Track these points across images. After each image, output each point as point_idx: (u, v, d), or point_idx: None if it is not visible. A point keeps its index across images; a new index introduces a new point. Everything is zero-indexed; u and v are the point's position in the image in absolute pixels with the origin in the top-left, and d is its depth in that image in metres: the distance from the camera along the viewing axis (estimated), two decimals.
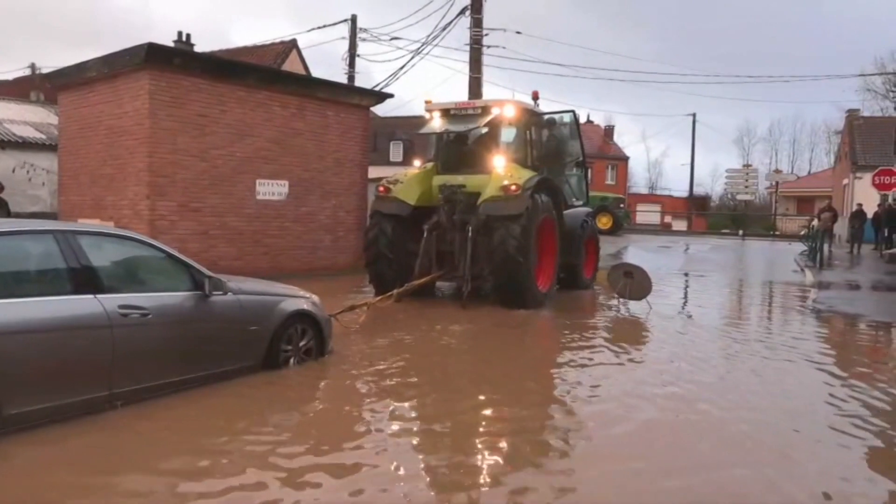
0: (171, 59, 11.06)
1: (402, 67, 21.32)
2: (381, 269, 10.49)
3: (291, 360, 6.01)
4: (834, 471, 4.21)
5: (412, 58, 21.72)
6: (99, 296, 4.51)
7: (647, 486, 3.88)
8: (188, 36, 28.54)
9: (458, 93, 20.85)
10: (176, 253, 5.34)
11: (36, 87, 26.74)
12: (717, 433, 4.82)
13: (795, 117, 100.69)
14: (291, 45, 28.17)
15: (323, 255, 13.62)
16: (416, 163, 11.44)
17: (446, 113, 10.94)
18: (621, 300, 10.32)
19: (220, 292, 5.32)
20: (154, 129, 10.97)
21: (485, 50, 21.39)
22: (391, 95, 15.44)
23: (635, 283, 10.01)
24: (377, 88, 21.09)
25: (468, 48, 21.07)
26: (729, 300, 12.66)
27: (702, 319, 9.82)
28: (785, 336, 8.66)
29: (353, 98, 14.07)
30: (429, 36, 21.62)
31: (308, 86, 13.43)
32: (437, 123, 10.91)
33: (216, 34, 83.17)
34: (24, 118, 21.35)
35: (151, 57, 10.77)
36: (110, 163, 11.80)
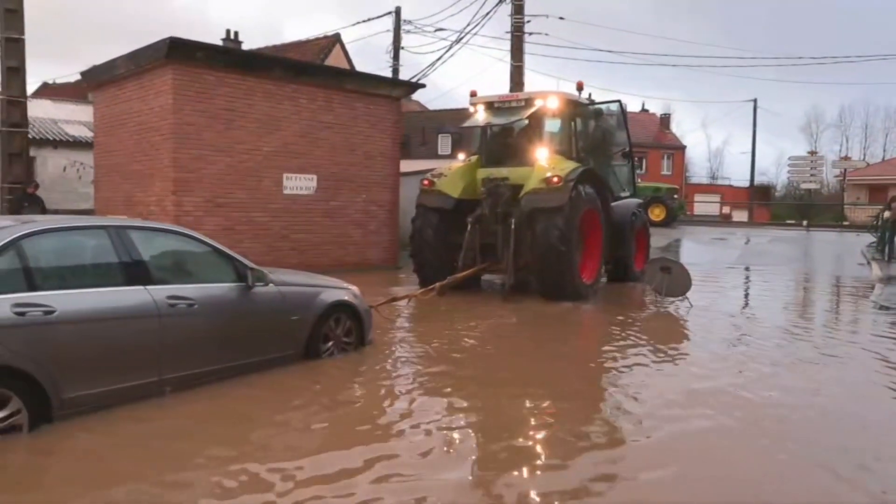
0: (195, 54, 10.92)
1: (439, 58, 20.82)
2: (426, 260, 10.61)
3: (333, 350, 6.17)
4: None
5: (449, 48, 21.20)
6: (149, 287, 4.75)
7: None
8: (236, 34, 28.90)
9: (502, 82, 20.30)
10: (220, 246, 5.53)
11: (91, 87, 27.63)
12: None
13: (867, 101, 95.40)
14: (335, 39, 28.07)
15: (353, 251, 13.35)
16: (461, 156, 11.41)
17: (490, 106, 10.92)
18: (659, 296, 9.63)
19: (263, 283, 5.52)
20: (179, 125, 10.88)
21: (528, 38, 20.81)
22: (422, 85, 15.03)
23: (673, 278, 9.32)
24: (415, 79, 20.77)
25: (510, 36, 20.60)
26: (778, 297, 11.69)
27: (742, 320, 9.06)
28: (839, 339, 7.84)
29: (383, 89, 13.71)
30: (468, 24, 21.07)
31: (336, 77, 13.14)
32: (480, 116, 10.92)
33: (270, 31, 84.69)
34: (78, 118, 21.93)
35: (174, 51, 10.66)
36: (139, 159, 11.81)
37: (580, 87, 11.11)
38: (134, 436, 4.26)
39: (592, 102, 11.49)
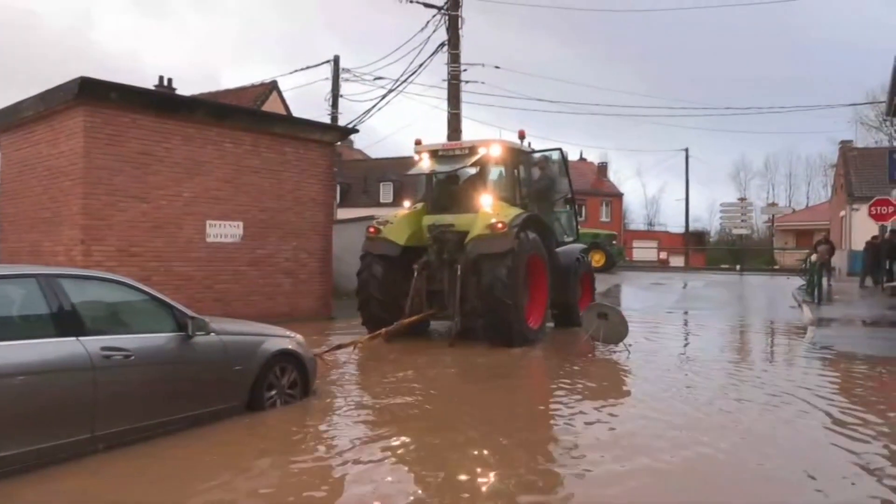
0: (108, 94, 10.30)
1: (375, 105, 20.68)
2: (373, 311, 10.56)
3: (276, 401, 5.97)
4: None
5: (384, 96, 21.06)
6: (81, 338, 4.51)
7: None
8: (170, 80, 28.27)
9: (440, 129, 20.27)
10: (159, 294, 5.34)
11: None
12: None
13: (791, 151, 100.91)
14: (272, 86, 27.76)
15: (283, 301, 12.68)
16: (406, 203, 11.52)
17: (434, 154, 11.07)
18: (596, 343, 9.35)
19: (203, 332, 5.33)
20: (89, 169, 10.17)
21: (465, 86, 20.97)
22: (355, 130, 14.79)
23: (610, 325, 9.06)
24: (351, 125, 20.48)
25: (447, 84, 20.68)
26: (715, 340, 11.64)
27: (683, 361, 8.85)
28: (778, 381, 7.66)
29: (314, 133, 13.31)
30: (404, 72, 21.09)
31: (263, 121, 12.68)
32: (425, 164, 11.04)
33: (207, 79, 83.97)
34: None
35: (85, 91, 10.03)
36: (47, 205, 10.99)
37: (522, 136, 11.24)
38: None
39: (534, 151, 11.67)
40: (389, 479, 4.44)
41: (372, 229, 10.83)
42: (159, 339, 5.09)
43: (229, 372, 5.55)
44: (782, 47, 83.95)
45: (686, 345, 11.25)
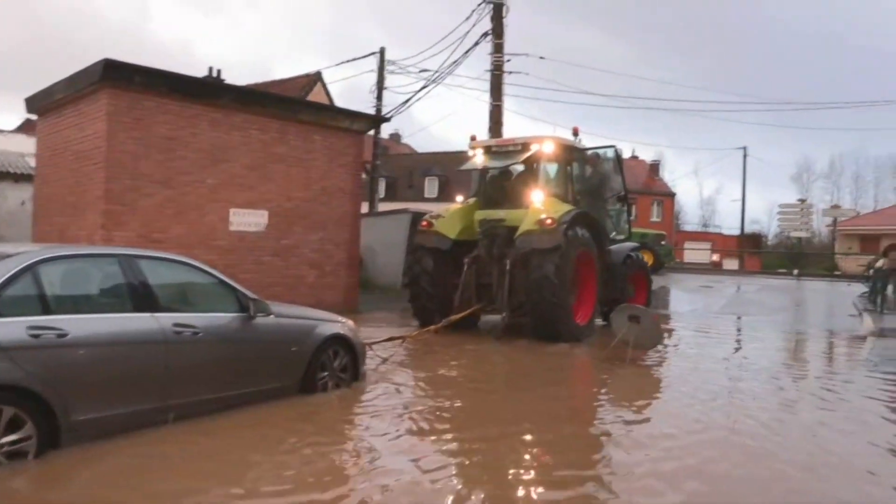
0: (133, 77, 10.16)
1: (415, 93, 20.14)
2: (423, 305, 10.82)
3: (328, 383, 6.29)
4: None
5: (424, 86, 20.53)
6: (156, 314, 4.91)
7: None
8: (219, 71, 28.53)
9: (483, 122, 19.78)
10: (224, 277, 5.69)
11: (36, 115, 26.94)
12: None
13: (858, 152, 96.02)
14: (316, 77, 27.70)
15: (306, 293, 12.37)
16: (459, 198, 11.71)
17: (488, 149, 11.37)
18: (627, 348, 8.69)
19: (264, 314, 5.66)
20: (112, 153, 10.05)
21: (508, 77, 20.37)
22: (386, 119, 14.44)
23: (642, 329, 8.40)
24: (389, 116, 20.09)
25: (489, 75, 20.11)
26: (755, 349, 10.76)
27: (732, 369, 8.13)
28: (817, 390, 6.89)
29: (343, 122, 12.97)
30: (444, 62, 20.61)
31: (291, 108, 12.38)
32: (479, 159, 11.31)
33: (257, 70, 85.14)
34: None
35: (109, 74, 9.91)
36: (75, 190, 10.96)
37: (576, 133, 11.31)
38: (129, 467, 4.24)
39: (587, 148, 11.68)
40: (426, 467, 4.49)
41: (425, 223, 11.09)
42: (224, 318, 5.44)
43: (286, 352, 5.89)
44: (854, 37, 79.86)
45: (731, 351, 10.45)
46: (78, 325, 4.44)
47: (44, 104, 11.93)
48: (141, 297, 4.89)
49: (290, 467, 4.34)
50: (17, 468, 4.02)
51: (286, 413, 5.57)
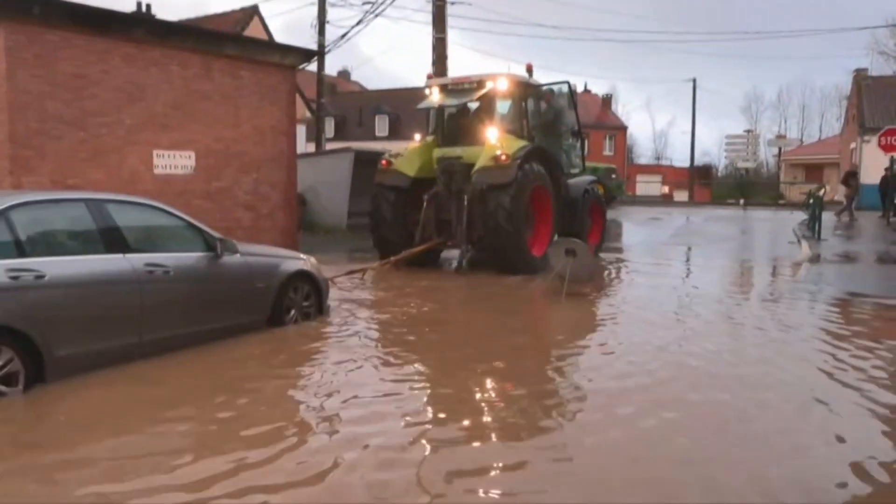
0: (31, 9, 9.28)
1: (354, 26, 19.27)
2: (384, 235, 11.17)
3: (297, 317, 6.69)
4: None
5: (361, 20, 19.65)
6: (127, 255, 5.19)
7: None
8: (148, 6, 26.80)
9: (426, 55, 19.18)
10: (189, 218, 5.95)
11: None
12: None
13: (804, 83, 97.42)
14: (252, 11, 26.36)
15: (242, 236, 11.72)
16: (417, 136, 11.89)
17: (444, 88, 11.52)
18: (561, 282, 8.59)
19: (231, 253, 5.98)
20: (14, 93, 9.24)
21: (461, 10, 19.76)
22: (319, 52, 13.65)
23: (578, 262, 8.28)
24: (329, 50, 19.23)
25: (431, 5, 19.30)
26: (694, 276, 11.09)
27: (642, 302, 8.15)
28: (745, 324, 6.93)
29: (273, 56, 12.22)
30: None
31: (212, 41, 11.55)
32: (435, 98, 11.45)
33: (192, 5, 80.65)
34: None
35: (5, 7, 8.99)
36: None
37: (530, 69, 11.51)
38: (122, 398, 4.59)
39: (541, 84, 11.82)
40: (386, 391, 4.82)
41: (384, 162, 11.34)
42: (193, 257, 5.75)
43: (253, 288, 6.24)
44: None
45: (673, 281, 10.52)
46: (54, 266, 4.69)
47: None
48: (112, 238, 5.13)
49: (259, 393, 4.70)
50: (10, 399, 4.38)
51: (255, 345, 5.90)
